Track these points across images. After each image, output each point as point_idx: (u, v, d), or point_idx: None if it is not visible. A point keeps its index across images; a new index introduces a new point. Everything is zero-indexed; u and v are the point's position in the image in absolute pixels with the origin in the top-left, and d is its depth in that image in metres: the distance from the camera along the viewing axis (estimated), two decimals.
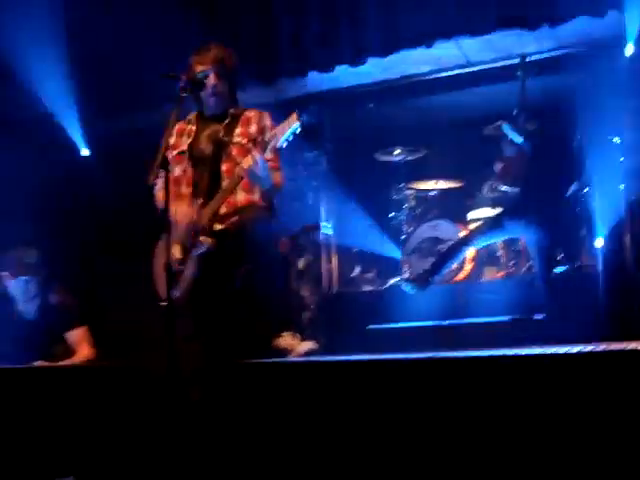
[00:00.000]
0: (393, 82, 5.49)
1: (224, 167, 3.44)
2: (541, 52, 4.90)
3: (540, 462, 2.32)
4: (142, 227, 3.56)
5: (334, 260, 5.83)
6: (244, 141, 3.44)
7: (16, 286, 4.41)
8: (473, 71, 5.28)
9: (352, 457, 2.65)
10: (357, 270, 5.99)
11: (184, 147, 3.54)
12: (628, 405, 2.21)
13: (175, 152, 3.53)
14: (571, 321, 3.93)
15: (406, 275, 5.25)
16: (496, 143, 4.59)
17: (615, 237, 4.33)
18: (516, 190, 4.43)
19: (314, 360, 3.13)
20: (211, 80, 3.49)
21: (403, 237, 5.63)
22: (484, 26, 4.58)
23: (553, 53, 4.95)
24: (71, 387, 3.54)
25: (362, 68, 5.02)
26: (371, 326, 4.62)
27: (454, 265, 4.82)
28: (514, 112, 4.35)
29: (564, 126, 4.62)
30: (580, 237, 4.80)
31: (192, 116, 3.63)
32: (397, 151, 5.86)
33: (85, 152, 5.77)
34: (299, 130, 3.20)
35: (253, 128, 3.49)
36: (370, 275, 5.91)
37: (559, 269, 4.58)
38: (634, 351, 2.31)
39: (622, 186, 4.33)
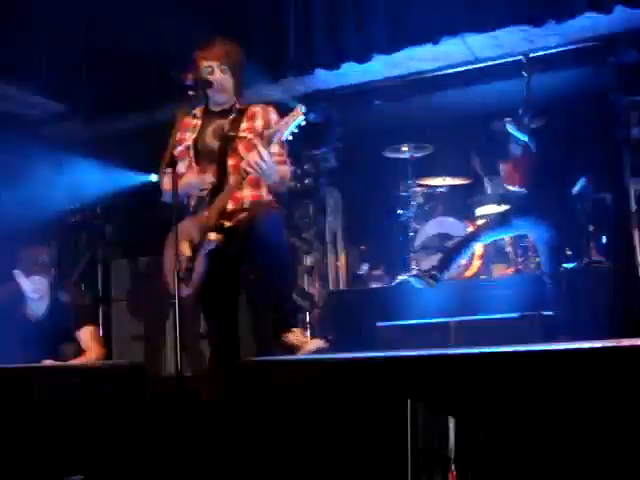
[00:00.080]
0: (400, 79, 5.49)
1: (230, 162, 3.44)
2: (548, 48, 4.89)
3: (552, 459, 2.31)
4: (153, 225, 3.58)
5: (342, 257, 5.83)
6: (250, 136, 3.44)
7: (28, 284, 4.42)
8: (480, 67, 5.27)
9: (362, 455, 2.65)
10: (365, 267, 5.99)
11: (189, 142, 3.54)
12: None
13: (180, 148, 3.53)
14: (580, 317, 3.92)
15: (414, 271, 5.25)
16: (503, 139, 4.58)
17: (624, 232, 4.32)
18: (523, 191, 4.42)
19: (323, 358, 3.13)
20: (216, 75, 3.49)
21: (411, 234, 5.63)
22: (491, 22, 4.58)
23: (560, 49, 4.94)
24: (83, 386, 3.54)
25: (369, 65, 5.01)
26: (380, 323, 4.62)
27: (462, 261, 4.82)
28: (519, 112, 4.34)
29: (571, 122, 4.61)
30: (589, 233, 4.79)
31: (198, 110, 3.63)
32: (405, 148, 5.86)
33: None
34: (304, 122, 3.20)
35: (259, 123, 3.49)
36: (378, 272, 5.91)
37: (568, 265, 4.57)
38: None
39: (630, 181, 4.32)
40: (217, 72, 3.49)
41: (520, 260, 5.12)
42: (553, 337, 3.51)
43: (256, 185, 3.46)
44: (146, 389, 3.67)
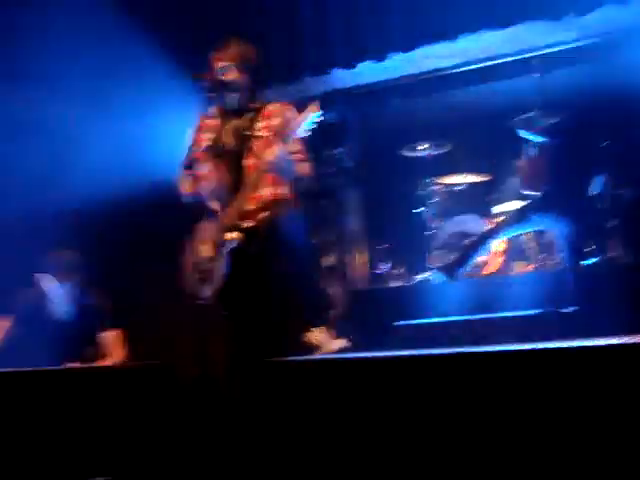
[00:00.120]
0: (417, 77, 5.48)
1: (248, 162, 3.45)
2: (566, 43, 4.86)
3: (576, 453, 2.31)
4: (175, 227, 3.60)
5: (362, 256, 5.83)
6: (267, 134, 3.45)
7: (55, 288, 4.45)
8: (498, 64, 5.25)
9: (384, 454, 2.66)
10: (385, 266, 5.99)
11: (208, 142, 3.56)
12: None
13: (199, 149, 3.55)
14: (602, 314, 3.89)
15: (434, 270, 5.24)
16: (520, 137, 4.57)
17: None
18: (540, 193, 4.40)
19: (345, 357, 3.14)
20: (232, 76, 3.50)
21: (430, 232, 5.62)
22: (508, 18, 4.56)
23: (578, 43, 4.91)
24: (106, 388, 3.55)
25: (386, 63, 5.01)
26: (400, 322, 4.61)
27: (480, 258, 4.80)
28: (532, 114, 4.32)
29: (587, 118, 4.58)
30: (610, 228, 4.75)
31: (215, 110, 3.64)
32: (422, 146, 5.84)
33: None
34: (320, 118, 3.21)
35: (276, 121, 3.49)
36: (398, 271, 5.90)
37: (589, 261, 4.54)
38: None
39: None
40: (233, 72, 3.51)
41: (540, 257, 5.09)
42: (573, 334, 3.49)
43: (275, 184, 3.45)
44: (171, 390, 3.68)
